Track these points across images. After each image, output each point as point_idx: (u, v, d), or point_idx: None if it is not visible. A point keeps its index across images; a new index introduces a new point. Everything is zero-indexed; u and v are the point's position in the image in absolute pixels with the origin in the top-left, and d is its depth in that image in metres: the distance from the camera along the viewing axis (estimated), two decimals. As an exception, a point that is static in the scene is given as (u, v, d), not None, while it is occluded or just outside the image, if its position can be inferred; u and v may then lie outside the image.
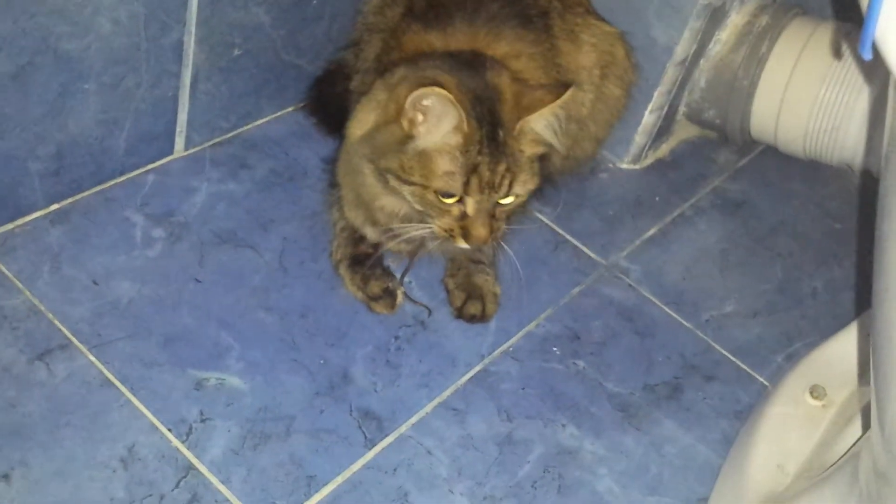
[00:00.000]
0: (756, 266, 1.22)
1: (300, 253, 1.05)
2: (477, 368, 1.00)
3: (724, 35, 1.25)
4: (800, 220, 1.31)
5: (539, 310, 1.07)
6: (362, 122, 0.92)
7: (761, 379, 1.07)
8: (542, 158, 0.95)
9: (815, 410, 0.98)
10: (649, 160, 1.32)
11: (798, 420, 0.97)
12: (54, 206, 1.01)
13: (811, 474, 0.91)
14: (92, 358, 0.89)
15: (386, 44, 1.03)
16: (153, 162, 1.09)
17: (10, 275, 0.94)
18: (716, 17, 1.20)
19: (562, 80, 1.01)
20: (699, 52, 1.23)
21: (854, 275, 1.24)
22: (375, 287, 1.00)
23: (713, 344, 1.10)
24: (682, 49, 1.19)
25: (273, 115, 1.20)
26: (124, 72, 0.97)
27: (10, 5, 0.84)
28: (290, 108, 1.21)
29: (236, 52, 1.08)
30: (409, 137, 0.86)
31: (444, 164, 0.86)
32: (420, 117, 0.86)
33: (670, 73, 1.22)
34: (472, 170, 0.86)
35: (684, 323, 1.11)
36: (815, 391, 0.99)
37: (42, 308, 0.92)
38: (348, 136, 0.93)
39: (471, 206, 0.88)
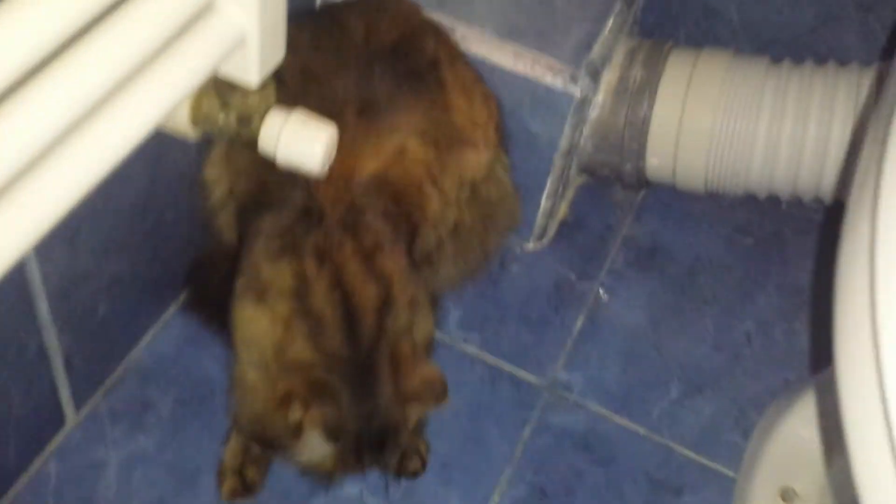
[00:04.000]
0: (686, 325, 1.19)
1: None
2: (457, 580, 0.96)
3: (601, 98, 1.17)
4: (712, 246, 1.28)
5: (497, 473, 1.04)
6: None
7: (727, 471, 1.06)
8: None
9: (792, 519, 0.99)
10: (553, 229, 1.26)
11: (779, 535, 0.98)
12: (-40, 552, 0.91)
13: None
14: None
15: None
16: (48, 444, 0.98)
17: None
18: (586, 101, 1.12)
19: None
20: (580, 125, 1.16)
21: (777, 297, 1.23)
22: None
23: (672, 445, 1.08)
24: (566, 141, 1.12)
25: (157, 327, 1.09)
26: (-9, 408, 0.86)
27: None
28: (171, 310, 1.10)
29: (101, 310, 0.96)
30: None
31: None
32: None
33: (558, 162, 1.14)
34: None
35: (639, 430, 1.09)
36: (786, 495, 0.99)
37: None
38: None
39: None
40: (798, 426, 1.03)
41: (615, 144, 1.19)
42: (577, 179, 1.29)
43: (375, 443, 0.86)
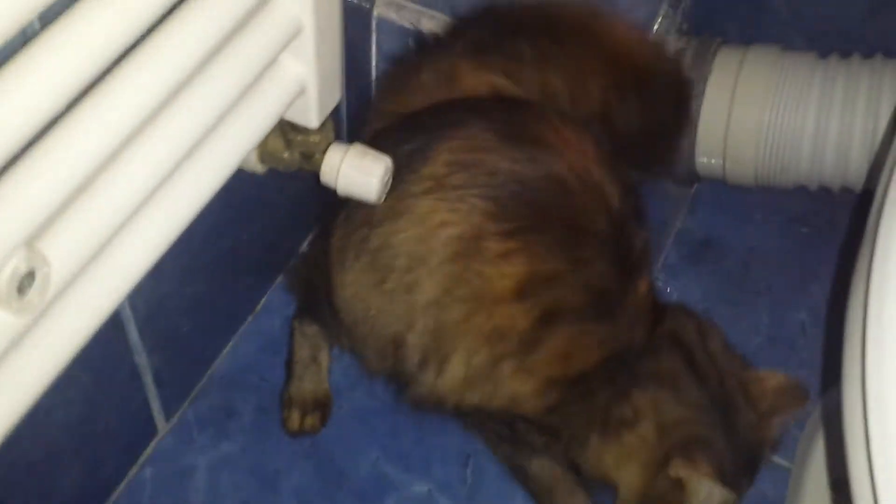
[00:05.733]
0: (741, 317, 1.23)
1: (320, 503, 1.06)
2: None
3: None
4: (766, 237, 1.31)
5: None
6: None
7: (783, 462, 1.10)
8: None
9: (845, 506, 1.02)
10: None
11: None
12: (69, 554, 1.00)
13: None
14: None
15: None
16: (143, 452, 1.07)
17: None
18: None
19: None
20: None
21: (829, 286, 1.26)
22: None
23: (727, 436, 1.12)
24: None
25: (236, 339, 1.16)
26: (90, 426, 0.94)
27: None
28: (248, 321, 1.18)
29: (185, 328, 1.04)
30: None
31: None
32: None
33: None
34: None
35: (695, 423, 1.13)
36: (837, 486, 1.02)
37: None
38: None
39: None
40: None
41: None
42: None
43: (750, 468, 0.90)
